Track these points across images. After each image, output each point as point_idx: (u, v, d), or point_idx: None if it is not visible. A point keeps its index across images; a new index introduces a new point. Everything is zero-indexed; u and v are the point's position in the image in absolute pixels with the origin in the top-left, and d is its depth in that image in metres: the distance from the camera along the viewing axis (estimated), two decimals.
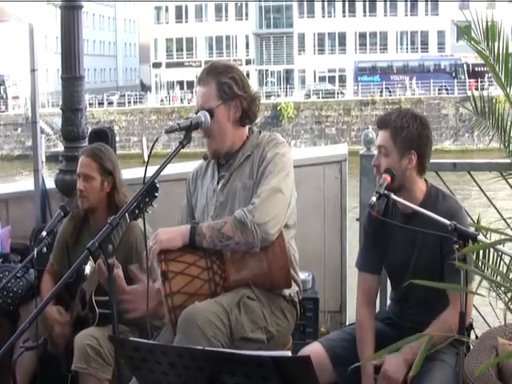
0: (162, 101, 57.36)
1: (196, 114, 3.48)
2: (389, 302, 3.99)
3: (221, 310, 3.21)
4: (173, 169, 5.48)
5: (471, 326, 3.60)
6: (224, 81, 3.51)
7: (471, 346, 3.49)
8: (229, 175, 3.56)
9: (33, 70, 5.95)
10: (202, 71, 3.57)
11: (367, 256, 3.70)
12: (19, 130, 48.65)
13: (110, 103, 55.27)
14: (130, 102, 55.63)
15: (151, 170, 3.08)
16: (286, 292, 3.50)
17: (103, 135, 5.66)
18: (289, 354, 2.32)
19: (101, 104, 54.36)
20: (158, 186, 3.28)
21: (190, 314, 3.15)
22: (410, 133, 3.44)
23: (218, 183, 3.61)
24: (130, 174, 5.38)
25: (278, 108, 48.79)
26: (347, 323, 4.97)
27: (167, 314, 3.23)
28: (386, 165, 3.46)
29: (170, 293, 3.22)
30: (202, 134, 3.54)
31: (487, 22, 4.26)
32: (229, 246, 3.32)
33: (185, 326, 3.13)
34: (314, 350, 3.52)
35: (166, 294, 3.22)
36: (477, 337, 3.66)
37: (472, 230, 3.08)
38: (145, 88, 72.14)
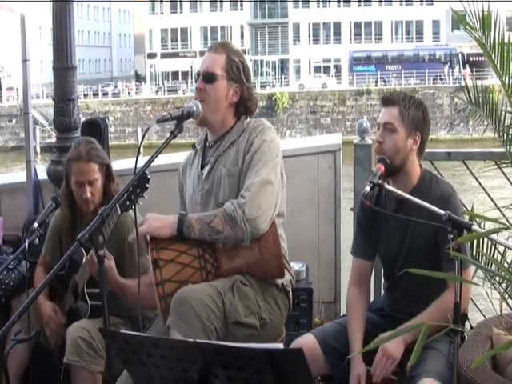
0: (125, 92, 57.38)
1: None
2: (383, 292, 3.98)
3: (215, 292, 3.20)
4: (165, 159, 5.45)
5: (466, 316, 3.58)
6: (234, 59, 3.56)
7: (466, 336, 3.48)
8: (213, 161, 3.55)
9: (24, 61, 5.89)
10: (215, 43, 3.67)
11: (360, 242, 3.70)
12: (14, 121, 48.56)
13: (105, 94, 55.23)
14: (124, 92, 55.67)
15: (144, 161, 3.05)
16: (279, 281, 3.49)
17: (96, 126, 5.63)
18: (281, 346, 2.30)
19: (95, 95, 54.31)
20: (149, 177, 3.25)
21: (184, 295, 3.14)
22: (417, 114, 3.46)
23: (202, 169, 3.60)
24: (123, 164, 5.35)
25: (273, 98, 48.80)
26: (341, 313, 4.95)
27: (158, 302, 3.22)
28: (391, 141, 3.42)
29: (160, 281, 3.21)
30: (195, 95, 3.52)
31: (483, 12, 4.24)
32: (218, 240, 3.32)
33: (178, 306, 3.12)
34: (307, 341, 3.50)
35: (156, 282, 3.21)
36: (471, 327, 3.65)
37: (466, 219, 3.07)
38: (140, 79, 72.00)
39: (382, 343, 3.19)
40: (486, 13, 4.23)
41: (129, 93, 57.06)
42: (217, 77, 3.51)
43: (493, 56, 4.31)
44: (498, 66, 4.31)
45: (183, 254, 3.29)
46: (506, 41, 4.24)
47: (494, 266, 4.30)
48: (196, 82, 3.58)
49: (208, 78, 3.52)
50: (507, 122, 4.48)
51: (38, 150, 40.23)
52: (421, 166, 3.56)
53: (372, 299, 3.94)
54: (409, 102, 3.47)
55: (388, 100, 3.51)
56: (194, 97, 3.54)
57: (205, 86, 3.52)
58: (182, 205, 3.78)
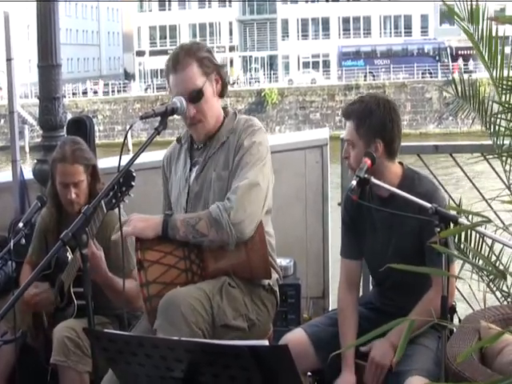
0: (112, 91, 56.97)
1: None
2: (371, 287, 3.97)
3: (203, 296, 3.17)
4: (152, 157, 5.41)
5: (454, 310, 3.56)
6: (204, 55, 3.42)
7: (454, 330, 3.46)
8: (203, 163, 3.48)
9: (8, 60, 5.87)
10: (173, 57, 3.40)
11: (347, 242, 3.66)
12: (2, 121, 48.26)
13: (94, 92, 55.08)
14: (113, 91, 55.50)
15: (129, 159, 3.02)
16: (265, 281, 3.46)
17: (82, 124, 5.59)
18: (266, 343, 2.28)
19: (84, 93, 54.16)
20: (134, 174, 3.22)
21: (172, 299, 3.10)
22: (372, 122, 3.38)
23: (190, 170, 3.53)
24: (109, 162, 5.31)
25: (262, 94, 48.76)
26: (330, 309, 4.94)
27: (143, 303, 3.19)
28: (354, 156, 3.42)
29: (145, 282, 3.19)
30: (188, 122, 3.42)
31: (471, 5, 4.24)
32: (203, 243, 3.28)
33: (166, 310, 3.09)
34: (297, 336, 3.49)
35: (141, 283, 3.18)
36: (460, 320, 3.64)
37: (453, 212, 3.05)
38: (129, 77, 71.87)
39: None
40: (474, 6, 4.23)
41: (95, 91, 56.60)
42: (202, 89, 3.38)
43: (481, 47, 4.31)
44: (486, 58, 4.31)
45: (168, 255, 3.26)
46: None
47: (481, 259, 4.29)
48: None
49: (194, 97, 3.37)
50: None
51: (27, 149, 40.10)
52: (402, 164, 3.53)
53: (361, 293, 3.93)
54: (363, 111, 3.40)
55: (344, 114, 3.49)
56: (188, 125, 3.44)
57: (196, 108, 3.39)
58: (165, 202, 3.72)
